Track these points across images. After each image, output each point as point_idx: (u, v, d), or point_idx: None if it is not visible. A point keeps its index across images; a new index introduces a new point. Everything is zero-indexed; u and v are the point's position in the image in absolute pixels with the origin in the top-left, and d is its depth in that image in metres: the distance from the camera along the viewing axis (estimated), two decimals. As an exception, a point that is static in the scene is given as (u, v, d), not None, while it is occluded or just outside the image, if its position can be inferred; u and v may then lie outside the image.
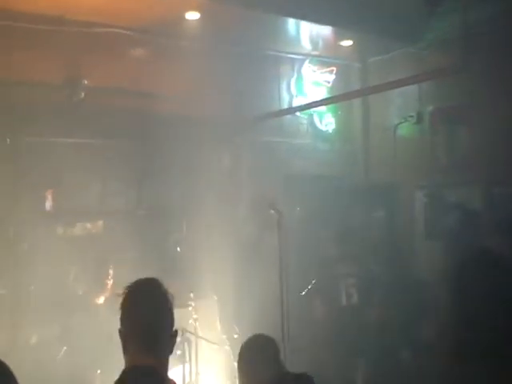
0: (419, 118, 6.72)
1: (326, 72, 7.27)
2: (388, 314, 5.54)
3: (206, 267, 5.14)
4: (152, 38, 5.78)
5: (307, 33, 6.58)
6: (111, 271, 4.65)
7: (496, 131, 5.86)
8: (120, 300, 2.11)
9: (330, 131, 7.40)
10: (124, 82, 5.54)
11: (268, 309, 4.25)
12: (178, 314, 5.25)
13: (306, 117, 7.22)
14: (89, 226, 5.55)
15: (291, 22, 6.14)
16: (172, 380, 2.10)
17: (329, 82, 7.29)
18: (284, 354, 3.13)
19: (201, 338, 4.90)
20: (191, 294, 5.19)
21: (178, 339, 4.65)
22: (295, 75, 7.13)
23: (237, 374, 2.69)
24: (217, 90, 5.96)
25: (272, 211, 4.03)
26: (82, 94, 5.28)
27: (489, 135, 5.98)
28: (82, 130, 5.10)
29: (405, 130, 6.83)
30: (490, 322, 2.15)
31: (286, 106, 7.07)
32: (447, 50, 6.07)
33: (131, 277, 4.93)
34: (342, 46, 6.84)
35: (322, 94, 7.23)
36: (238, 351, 2.71)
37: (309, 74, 7.17)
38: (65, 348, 4.46)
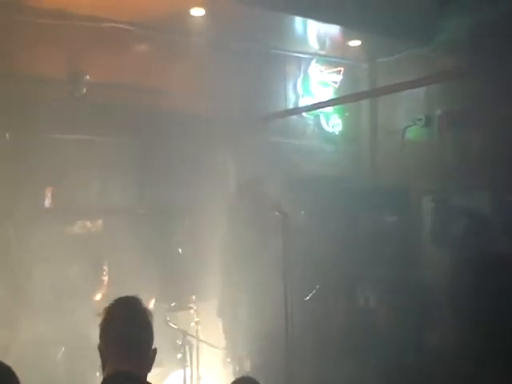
0: (428, 121, 6.71)
1: (333, 72, 7.26)
2: (395, 318, 5.53)
3: (208, 269, 5.12)
4: (156, 34, 5.77)
5: (314, 32, 6.57)
6: (106, 267, 4.64)
7: (507, 135, 5.83)
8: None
9: (337, 133, 7.38)
10: (127, 78, 5.54)
11: (271, 312, 4.23)
12: (179, 316, 5.27)
13: (312, 117, 7.21)
14: (89, 224, 5.54)
15: (298, 21, 6.13)
16: None
17: (336, 83, 7.28)
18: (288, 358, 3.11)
19: (202, 341, 4.87)
20: (193, 297, 5.17)
21: (179, 342, 4.66)
22: (302, 75, 7.12)
23: None
24: (221, 88, 5.95)
25: (277, 213, 4.01)
26: (84, 90, 5.29)
27: (499, 139, 5.95)
28: (84, 127, 5.10)
29: (413, 133, 6.81)
30: (500, 327, 2.13)
31: (292, 106, 7.07)
32: (456, 52, 6.06)
33: (131, 277, 4.94)
34: (349, 46, 6.83)
35: (329, 94, 7.22)
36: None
37: (316, 73, 7.16)
38: (63, 349, 4.43)
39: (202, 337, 4.95)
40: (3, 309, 4.51)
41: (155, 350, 2.22)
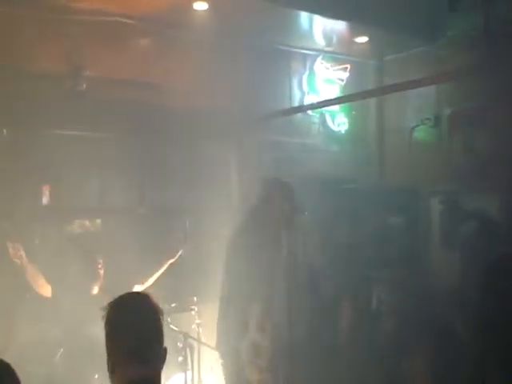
0: (437, 121, 6.71)
1: (339, 69, 7.27)
2: (401, 322, 5.51)
3: (210, 270, 5.11)
4: (157, 29, 5.79)
5: (320, 27, 6.58)
6: (101, 260, 4.65)
7: (518, 135, 5.83)
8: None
9: (343, 132, 7.39)
10: (127, 73, 5.55)
11: (275, 313, 4.23)
12: (180, 318, 5.27)
13: (317, 116, 7.22)
14: (87, 223, 5.54)
15: (304, 16, 6.13)
16: None
17: (342, 80, 7.28)
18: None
19: (204, 344, 4.87)
20: (194, 298, 5.17)
21: (180, 345, 4.66)
22: (307, 72, 7.13)
23: None
24: (224, 85, 5.95)
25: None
26: (84, 85, 5.29)
27: (510, 140, 5.94)
28: (83, 123, 5.11)
29: (421, 133, 6.82)
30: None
31: (296, 103, 7.07)
32: (468, 50, 6.05)
33: (131, 278, 4.94)
34: (356, 42, 6.84)
35: (335, 92, 7.23)
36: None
37: (321, 70, 7.17)
38: (62, 350, 4.44)
39: (203, 339, 4.94)
40: (1, 309, 4.52)
41: (166, 348, 2.15)
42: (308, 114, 7.15)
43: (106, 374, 4.41)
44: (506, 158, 5.96)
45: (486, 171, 6.22)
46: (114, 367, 2.08)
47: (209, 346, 4.83)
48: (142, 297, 2.18)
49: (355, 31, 6.56)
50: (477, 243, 5.40)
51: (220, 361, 4.61)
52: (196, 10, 5.49)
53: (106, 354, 4.37)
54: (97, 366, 4.38)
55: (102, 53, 5.40)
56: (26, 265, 4.29)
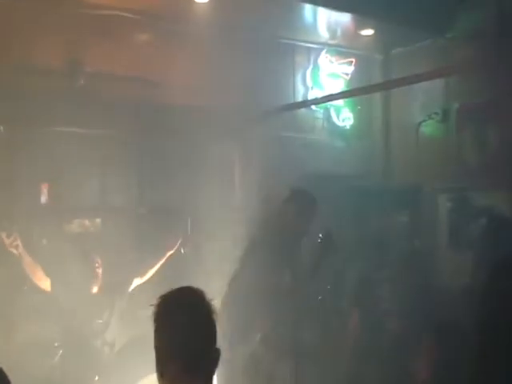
0: (445, 116, 6.70)
1: (344, 63, 7.26)
2: (405, 325, 5.51)
3: (212, 271, 5.12)
4: (158, 23, 5.79)
5: (325, 20, 6.57)
6: (99, 259, 4.66)
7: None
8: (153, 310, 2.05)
9: (348, 127, 7.38)
10: (127, 69, 5.56)
11: (282, 315, 4.23)
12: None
13: (321, 111, 7.21)
14: (87, 223, 5.55)
15: (308, 8, 6.12)
16: None
17: (347, 74, 7.27)
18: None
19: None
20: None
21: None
22: (311, 66, 7.12)
23: None
24: (226, 80, 5.95)
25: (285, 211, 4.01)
26: (82, 81, 5.29)
27: (521, 135, 5.93)
28: (81, 120, 5.10)
29: (429, 128, 6.81)
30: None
31: (300, 98, 7.07)
32: (478, 42, 6.03)
33: (130, 278, 4.92)
34: (362, 35, 6.83)
35: (340, 86, 7.21)
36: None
37: (326, 64, 7.15)
38: (61, 351, 4.46)
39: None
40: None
41: (219, 350, 2.03)
42: (312, 109, 7.14)
43: (106, 376, 4.45)
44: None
45: (496, 167, 6.20)
46: (162, 370, 1.97)
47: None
48: (195, 293, 2.06)
49: (360, 24, 6.55)
50: (487, 242, 5.39)
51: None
52: (197, 3, 5.49)
53: (109, 357, 4.40)
54: (97, 367, 4.41)
55: (101, 48, 5.40)
56: (22, 254, 4.29)
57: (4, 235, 4.21)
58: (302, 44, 7.00)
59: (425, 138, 6.74)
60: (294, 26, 6.48)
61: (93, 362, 4.40)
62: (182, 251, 5.34)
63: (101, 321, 4.57)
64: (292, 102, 6.92)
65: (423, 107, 6.95)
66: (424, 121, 6.77)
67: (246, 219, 5.47)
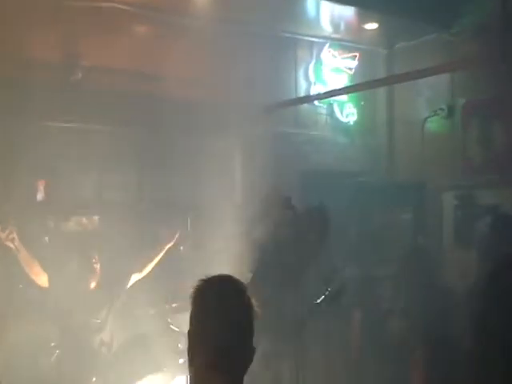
0: (450, 112, 6.70)
1: (347, 58, 7.25)
2: (410, 325, 5.51)
3: (212, 268, 5.11)
4: (157, 15, 5.79)
5: (328, 14, 6.57)
6: (96, 255, 4.65)
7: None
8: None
9: (352, 123, 7.37)
10: (126, 62, 5.55)
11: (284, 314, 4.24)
12: (181, 319, 5.26)
13: (325, 106, 7.21)
14: (84, 220, 5.55)
15: (310, 1, 6.12)
16: None
17: (351, 69, 7.26)
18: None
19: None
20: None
21: (180, 346, 4.68)
22: (314, 60, 7.12)
23: None
24: (227, 74, 5.94)
25: (287, 208, 4.01)
26: (80, 75, 5.29)
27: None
28: (79, 115, 5.10)
29: (434, 124, 6.81)
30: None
31: (303, 94, 7.06)
32: (484, 37, 6.02)
33: (129, 273, 4.89)
34: (366, 29, 6.83)
35: (343, 81, 7.21)
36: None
37: (329, 59, 7.15)
38: (57, 352, 4.45)
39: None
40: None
41: (254, 349, 1.93)
42: (315, 105, 7.14)
43: (104, 378, 4.45)
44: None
45: (502, 164, 6.20)
46: (190, 355, 1.92)
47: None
48: (240, 287, 1.95)
49: (364, 17, 6.55)
50: (492, 240, 5.39)
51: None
52: (197, -4, 5.48)
53: (107, 357, 4.40)
54: (94, 368, 4.41)
55: (99, 41, 5.39)
56: (19, 248, 4.28)
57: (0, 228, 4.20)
58: (305, 38, 6.99)
59: (430, 134, 6.73)
60: (296, 19, 6.48)
61: (90, 362, 4.39)
62: (181, 248, 5.33)
63: (98, 320, 4.56)
64: (294, 97, 6.92)
65: (428, 103, 6.95)
66: (429, 117, 6.78)
67: (246, 217, 5.48)
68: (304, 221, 4.65)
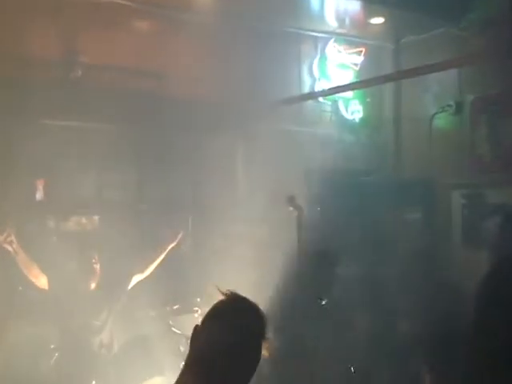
0: (458, 108, 6.70)
1: (353, 53, 7.26)
2: (418, 328, 5.53)
3: (214, 269, 5.13)
4: (159, 11, 5.81)
5: (333, 8, 6.57)
6: (96, 255, 4.68)
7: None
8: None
9: (357, 120, 7.38)
10: (127, 59, 5.58)
11: (286, 316, 4.25)
12: (183, 320, 5.28)
13: (329, 103, 7.22)
14: (84, 220, 5.58)
15: (315, -5, 6.13)
16: None
17: (356, 65, 7.27)
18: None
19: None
20: (198, 299, 5.20)
21: (182, 349, 4.70)
22: (318, 56, 7.13)
23: None
24: (229, 71, 5.96)
25: (291, 208, 4.02)
26: (79, 72, 5.31)
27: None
28: (79, 113, 5.12)
29: (442, 120, 6.82)
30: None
31: (307, 90, 7.07)
32: (493, 31, 6.02)
33: (130, 274, 4.91)
34: (372, 23, 6.83)
35: (349, 77, 7.22)
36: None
37: (334, 54, 7.16)
38: (56, 354, 4.49)
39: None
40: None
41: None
42: (319, 102, 7.15)
43: (104, 380, 4.48)
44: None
45: (512, 162, 6.20)
46: (184, 371, 1.89)
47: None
48: (256, 314, 1.91)
49: (370, 11, 6.55)
50: (501, 239, 5.39)
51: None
52: (199, -9, 5.50)
53: (107, 360, 4.42)
54: (94, 370, 4.44)
55: (99, 37, 5.43)
56: (17, 250, 4.31)
57: None
58: (309, 33, 6.99)
59: (437, 131, 6.74)
60: (300, 13, 6.48)
61: (90, 364, 4.42)
62: (183, 249, 5.36)
63: (99, 322, 4.59)
64: (298, 93, 6.92)
65: (436, 99, 6.95)
66: (437, 113, 6.79)
67: (249, 217, 5.52)
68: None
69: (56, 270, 4.61)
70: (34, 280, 4.51)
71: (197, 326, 1.97)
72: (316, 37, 7.09)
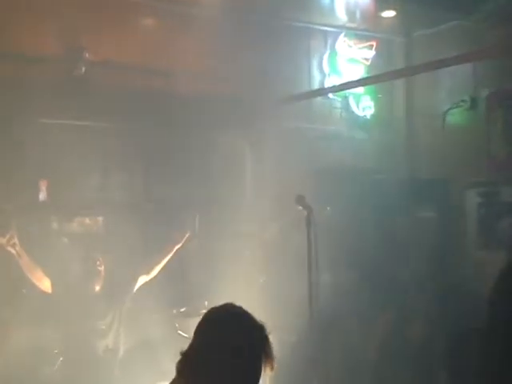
0: (473, 104, 6.68)
1: (364, 47, 7.24)
2: (431, 331, 5.52)
3: (222, 271, 5.14)
4: (164, 6, 5.81)
5: (343, 1, 6.56)
6: (100, 257, 4.70)
7: None
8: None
9: (368, 117, 7.36)
10: (132, 56, 5.59)
11: (296, 320, 4.26)
12: (190, 324, 5.28)
13: (340, 99, 7.20)
14: (88, 221, 5.60)
15: (324, -12, 6.13)
16: None
17: (367, 59, 7.26)
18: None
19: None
20: (205, 302, 5.20)
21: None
22: (328, 51, 7.12)
23: None
24: (237, 67, 5.97)
25: (300, 207, 4.02)
26: (83, 69, 5.33)
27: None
28: (83, 111, 5.15)
29: (456, 116, 6.80)
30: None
31: (316, 86, 7.06)
32: (508, 23, 6.00)
33: (136, 276, 4.90)
34: (383, 17, 6.82)
35: (360, 73, 7.21)
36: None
37: (344, 49, 7.15)
38: (61, 359, 4.51)
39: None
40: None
41: None
42: (329, 98, 7.14)
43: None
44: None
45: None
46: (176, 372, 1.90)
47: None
48: (245, 322, 1.91)
49: (381, 4, 6.55)
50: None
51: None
52: (206, -15, 5.51)
53: (112, 364, 4.42)
54: (99, 375, 4.46)
55: (104, 33, 5.44)
56: (20, 253, 4.34)
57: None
58: (319, 27, 6.99)
59: (451, 127, 6.72)
60: (309, 8, 6.49)
61: (94, 370, 4.44)
62: (190, 250, 5.37)
63: (103, 326, 4.61)
64: (307, 90, 6.92)
65: (449, 94, 6.93)
66: (450, 109, 6.76)
67: (257, 217, 5.52)
68: None
69: (60, 272, 4.63)
70: (37, 283, 4.53)
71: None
72: (326, 31, 7.08)
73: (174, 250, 5.02)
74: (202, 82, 5.79)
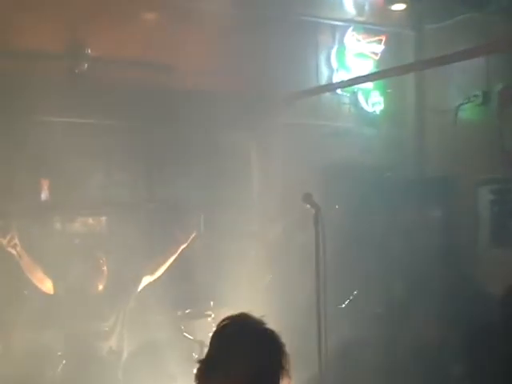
0: (485, 99, 6.65)
1: (373, 42, 7.22)
2: (443, 333, 5.52)
3: (227, 271, 5.15)
4: (168, 1, 5.79)
5: (351, -6, 6.56)
6: (104, 257, 4.71)
7: None
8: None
9: (378, 113, 7.34)
10: (135, 52, 5.60)
11: (302, 321, 4.26)
12: (195, 325, 5.29)
13: (348, 95, 7.18)
14: (91, 221, 5.62)
15: (332, -18, 6.12)
16: None
17: (376, 54, 7.23)
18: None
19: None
20: (211, 303, 5.21)
21: (195, 355, 4.71)
22: (336, 45, 7.10)
23: None
24: (243, 62, 5.96)
25: (308, 206, 4.01)
26: (85, 66, 5.34)
27: None
28: (85, 108, 5.16)
29: (468, 112, 6.77)
30: None
31: (324, 82, 7.04)
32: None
33: (139, 276, 4.90)
34: (392, 10, 6.80)
35: (369, 67, 7.18)
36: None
37: (353, 43, 7.13)
38: (64, 362, 4.52)
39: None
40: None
41: None
42: (338, 94, 7.12)
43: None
44: None
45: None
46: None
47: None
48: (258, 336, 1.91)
49: (391, -3, 6.54)
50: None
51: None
52: (210, -22, 5.51)
53: (116, 366, 4.44)
54: (103, 378, 4.47)
55: (105, 29, 5.43)
56: (21, 253, 4.35)
57: (1, 235, 4.28)
58: (326, 21, 6.96)
59: (463, 123, 6.69)
60: (316, 1, 6.48)
61: (98, 372, 4.45)
62: (195, 250, 5.37)
63: (107, 327, 4.62)
64: (315, 85, 6.90)
65: (461, 89, 6.90)
66: (462, 104, 6.73)
67: (264, 216, 5.52)
68: None
69: (62, 273, 4.64)
70: (38, 284, 4.55)
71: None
72: (334, 25, 7.05)
73: (180, 251, 5.01)
74: (207, 79, 5.78)
